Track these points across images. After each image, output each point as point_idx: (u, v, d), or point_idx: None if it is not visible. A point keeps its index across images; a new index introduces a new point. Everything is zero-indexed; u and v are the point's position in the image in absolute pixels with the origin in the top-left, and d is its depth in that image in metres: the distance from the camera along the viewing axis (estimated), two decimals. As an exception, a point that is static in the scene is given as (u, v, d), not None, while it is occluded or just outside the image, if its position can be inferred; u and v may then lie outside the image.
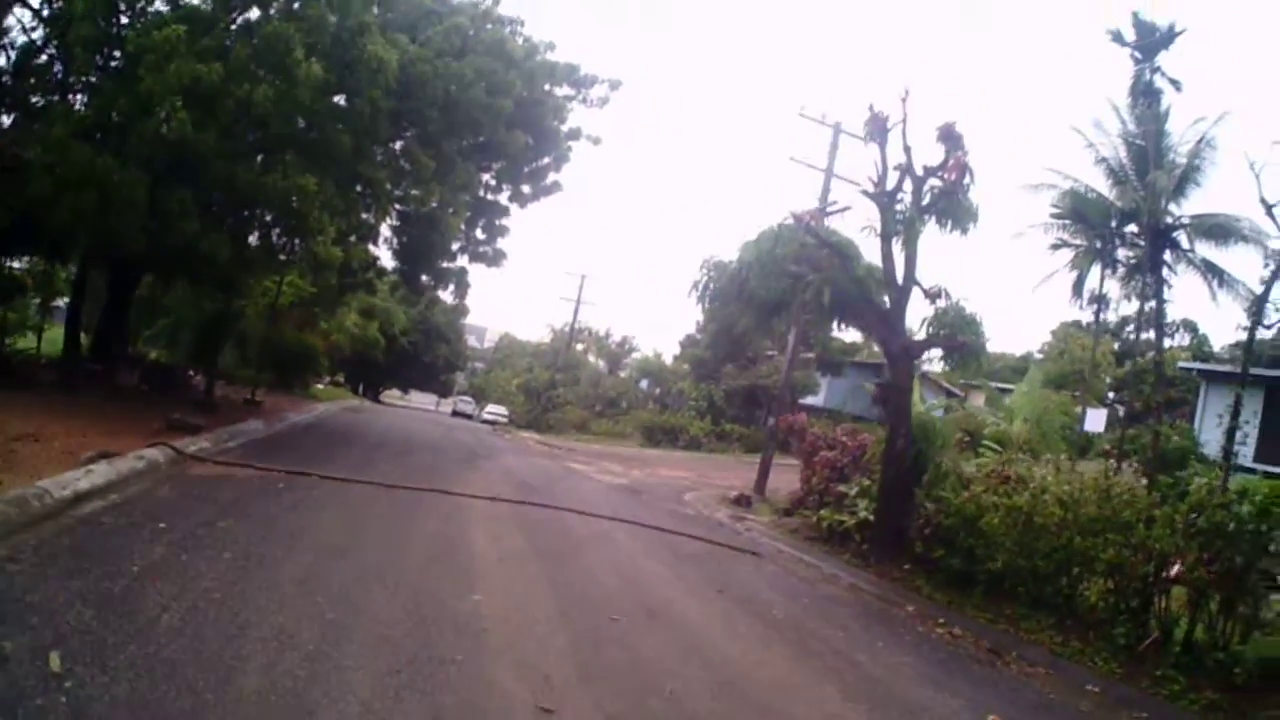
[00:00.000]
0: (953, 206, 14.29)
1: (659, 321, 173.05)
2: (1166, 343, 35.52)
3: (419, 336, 66.76)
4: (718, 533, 16.20)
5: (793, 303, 14.78)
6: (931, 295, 14.69)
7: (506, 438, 39.65)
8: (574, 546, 11.86)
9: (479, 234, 26.52)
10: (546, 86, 22.75)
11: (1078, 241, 34.25)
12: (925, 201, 14.51)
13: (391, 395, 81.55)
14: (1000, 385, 47.50)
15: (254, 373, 27.27)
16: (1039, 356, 63.72)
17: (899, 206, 14.62)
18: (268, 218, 18.28)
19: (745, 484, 24.50)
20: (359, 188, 18.81)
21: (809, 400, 47.50)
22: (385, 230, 26.01)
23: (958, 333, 14.29)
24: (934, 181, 14.55)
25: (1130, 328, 50.19)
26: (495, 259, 26.52)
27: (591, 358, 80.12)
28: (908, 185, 14.67)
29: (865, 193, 14.89)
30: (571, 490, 19.01)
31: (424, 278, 27.01)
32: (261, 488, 11.52)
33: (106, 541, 7.50)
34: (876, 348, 51.77)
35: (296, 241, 19.89)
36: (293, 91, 15.35)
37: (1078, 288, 35.19)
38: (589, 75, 24.09)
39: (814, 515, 17.28)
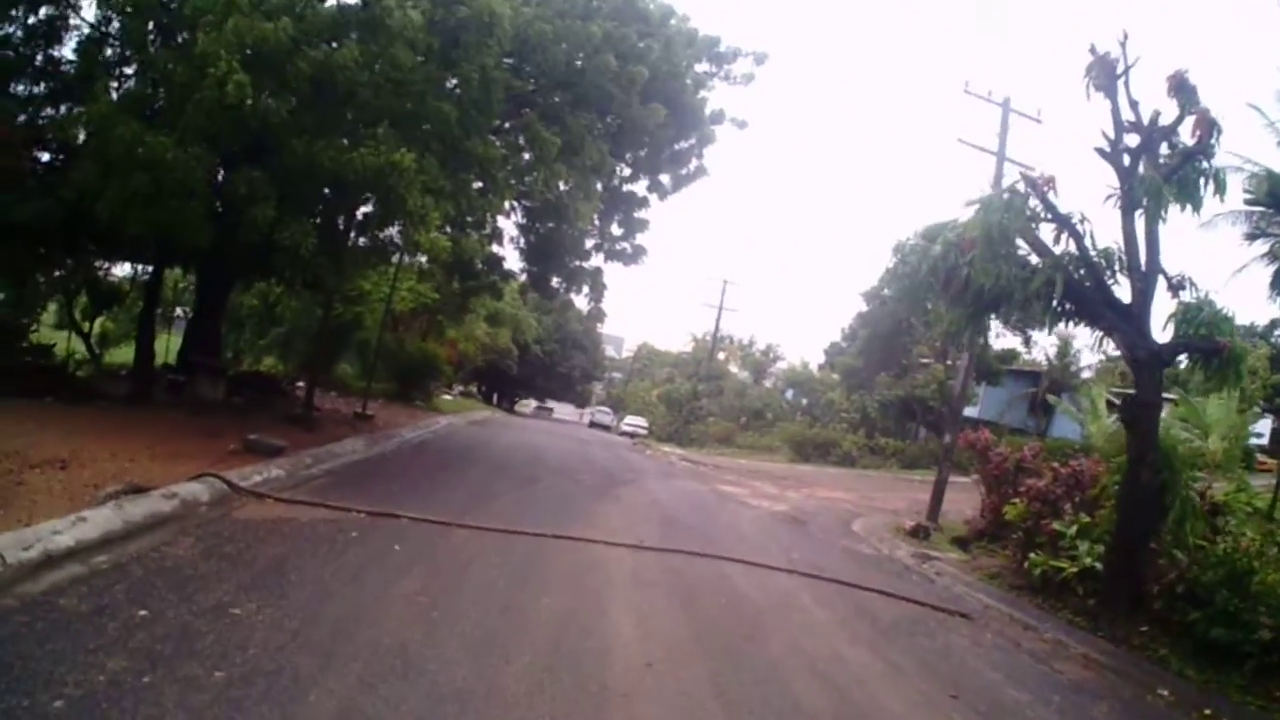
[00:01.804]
0: (1195, 173, 11.35)
1: (806, 327, 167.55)
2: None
3: (554, 345, 65.35)
4: (908, 583, 13.36)
5: (1014, 294, 11.57)
6: (1175, 286, 11.68)
7: (648, 453, 36.77)
8: (750, 626, 8.59)
9: (614, 229, 23.72)
10: (685, 63, 20.02)
11: (1277, 231, 30.63)
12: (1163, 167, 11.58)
13: (527, 405, 80.00)
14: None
15: (366, 384, 24.86)
16: (1185, 363, 59.13)
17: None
18: (362, 207, 15.60)
19: (911, 507, 23.14)
20: (470, 171, 16.00)
21: (966, 412, 43.83)
22: (511, 229, 23.46)
23: (1215, 333, 11.04)
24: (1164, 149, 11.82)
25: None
26: (634, 256, 23.62)
27: (734, 367, 78.00)
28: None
29: (1100, 151, 11.93)
30: (730, 525, 16.09)
31: (555, 280, 24.01)
32: (326, 540, 8.67)
33: (40, 646, 4.88)
34: (1038, 355, 48.45)
35: (396, 232, 17.15)
36: (387, 51, 12.89)
37: (1278, 281, 31.41)
38: (731, 49, 21.55)
39: (1012, 553, 14.74)
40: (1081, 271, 11.82)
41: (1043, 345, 46.25)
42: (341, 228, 16.36)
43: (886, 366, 47.44)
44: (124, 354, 24.03)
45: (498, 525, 10.94)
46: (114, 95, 14.06)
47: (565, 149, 16.86)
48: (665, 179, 22.87)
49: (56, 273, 20.28)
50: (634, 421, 61.89)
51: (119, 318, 25.64)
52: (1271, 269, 31.42)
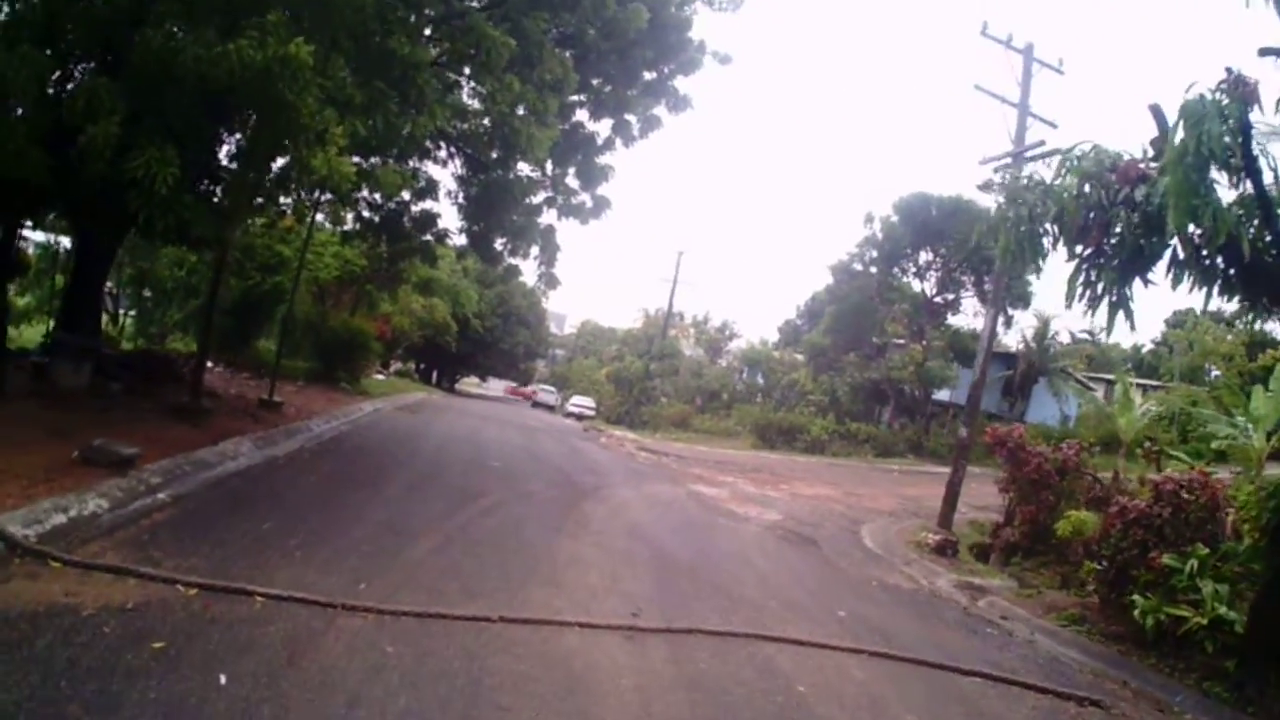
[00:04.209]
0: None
1: (762, 304, 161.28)
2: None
3: (496, 321, 61.22)
4: (985, 641, 10.36)
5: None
6: None
7: (602, 440, 32.95)
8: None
9: (571, 180, 19.47)
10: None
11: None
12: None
13: (469, 383, 76.11)
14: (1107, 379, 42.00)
15: (275, 364, 20.86)
16: (1149, 347, 58.75)
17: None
18: (244, 122, 11.41)
19: (903, 506, 22.15)
20: (390, 80, 11.81)
21: (943, 395, 41.03)
22: (449, 181, 19.21)
23: None
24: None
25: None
26: (595, 210, 19.26)
27: (686, 347, 74.02)
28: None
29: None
30: (734, 556, 12.57)
31: (499, 240, 19.59)
32: (102, 664, 4.73)
33: None
34: (1011, 338, 45.30)
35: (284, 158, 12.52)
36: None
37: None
38: (722, -35, 17.84)
39: (1097, 589, 11.68)
40: (1262, 229, 8.35)
41: (1021, 326, 43.39)
42: (223, 158, 12.32)
43: (856, 346, 44.08)
44: (36, 331, 21.37)
45: (410, 605, 6.79)
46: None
47: (519, 61, 12.95)
48: (633, 120, 18.85)
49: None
50: (580, 402, 58.30)
51: (29, 289, 23.28)
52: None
